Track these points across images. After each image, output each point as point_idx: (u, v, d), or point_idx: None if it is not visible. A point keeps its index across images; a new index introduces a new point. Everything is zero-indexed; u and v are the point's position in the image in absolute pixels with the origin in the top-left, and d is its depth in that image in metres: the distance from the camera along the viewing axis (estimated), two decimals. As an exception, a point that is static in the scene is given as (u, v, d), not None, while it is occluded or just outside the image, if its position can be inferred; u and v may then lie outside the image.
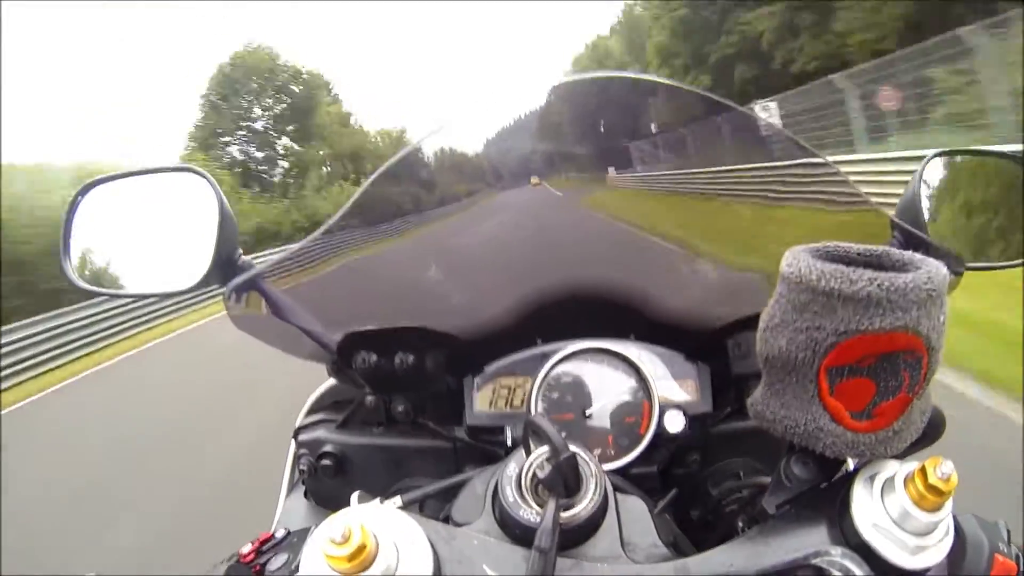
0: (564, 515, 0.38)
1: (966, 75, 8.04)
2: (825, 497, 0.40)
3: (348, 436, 0.78)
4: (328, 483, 0.77)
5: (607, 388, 0.74)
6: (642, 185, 0.85)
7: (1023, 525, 0.49)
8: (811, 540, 0.37)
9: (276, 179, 28.26)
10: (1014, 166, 0.83)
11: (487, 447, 0.75)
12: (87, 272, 0.71)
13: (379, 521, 0.35)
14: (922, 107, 9.04)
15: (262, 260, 0.66)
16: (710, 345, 0.76)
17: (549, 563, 0.35)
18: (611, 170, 0.82)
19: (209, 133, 26.72)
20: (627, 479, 0.62)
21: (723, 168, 0.84)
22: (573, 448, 0.39)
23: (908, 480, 0.36)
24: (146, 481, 3.63)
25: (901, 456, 0.41)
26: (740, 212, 0.86)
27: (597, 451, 0.71)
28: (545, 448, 0.39)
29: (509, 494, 0.39)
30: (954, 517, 0.37)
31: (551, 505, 0.37)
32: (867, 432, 0.38)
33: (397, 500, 0.45)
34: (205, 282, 0.64)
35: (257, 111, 28.16)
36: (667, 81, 0.69)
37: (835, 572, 0.33)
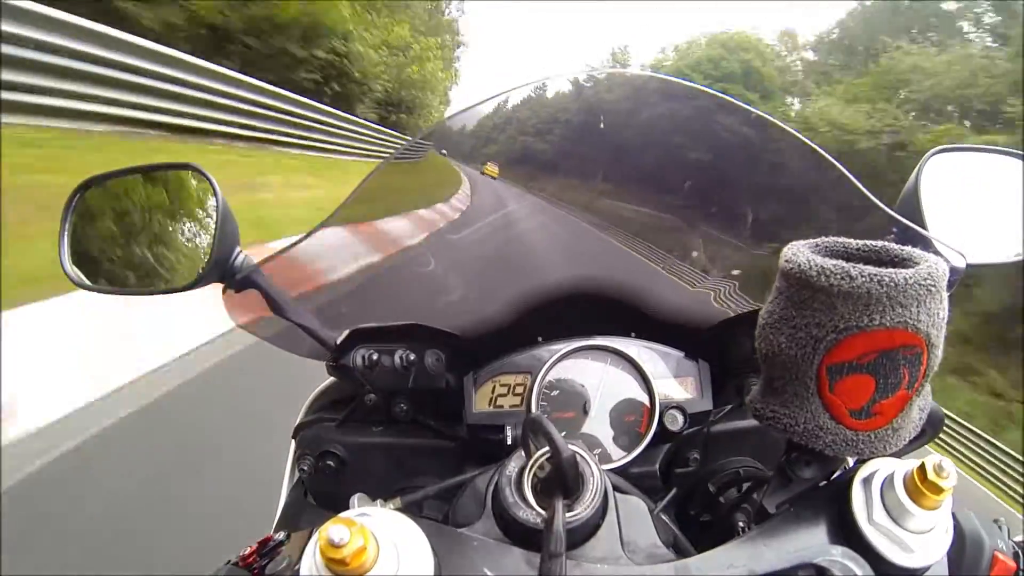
0: (565, 516, 0.37)
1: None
2: (825, 496, 0.40)
3: (348, 435, 0.77)
4: (329, 483, 0.76)
5: (607, 386, 0.74)
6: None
7: (1023, 523, 0.49)
8: (811, 539, 0.37)
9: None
10: (1014, 163, 0.83)
11: (487, 446, 0.75)
12: (86, 270, 0.71)
13: (379, 523, 0.34)
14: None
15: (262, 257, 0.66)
16: (710, 342, 0.75)
17: (560, 566, 0.34)
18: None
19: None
20: (627, 479, 0.62)
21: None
22: (573, 448, 0.39)
23: (907, 478, 0.36)
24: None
25: (900, 453, 0.41)
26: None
27: (597, 451, 0.71)
28: (546, 449, 0.39)
29: (509, 495, 0.39)
30: (953, 515, 0.37)
31: (557, 507, 0.36)
32: (866, 430, 0.38)
33: (397, 502, 0.45)
34: (205, 279, 0.64)
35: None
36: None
37: (836, 572, 0.33)
